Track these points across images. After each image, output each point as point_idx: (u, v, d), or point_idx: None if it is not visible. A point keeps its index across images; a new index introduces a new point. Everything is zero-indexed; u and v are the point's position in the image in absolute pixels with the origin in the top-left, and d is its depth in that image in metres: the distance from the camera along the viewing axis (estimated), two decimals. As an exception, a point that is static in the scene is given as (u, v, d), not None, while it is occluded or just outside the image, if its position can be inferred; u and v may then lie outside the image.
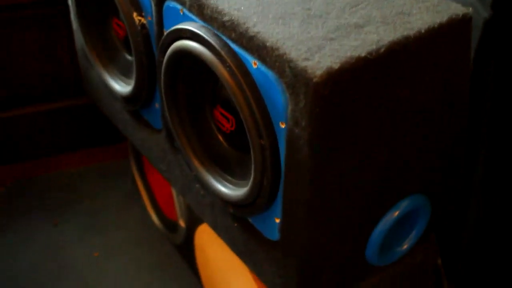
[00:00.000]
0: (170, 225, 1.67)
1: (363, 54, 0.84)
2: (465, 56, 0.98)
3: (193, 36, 0.98)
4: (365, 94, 0.88)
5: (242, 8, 0.93)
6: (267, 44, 0.87)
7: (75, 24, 1.44)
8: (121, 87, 1.30)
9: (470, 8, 0.96)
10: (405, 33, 0.89)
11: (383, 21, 0.91)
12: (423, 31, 0.90)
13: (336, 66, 0.82)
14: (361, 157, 0.94)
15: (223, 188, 1.08)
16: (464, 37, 0.96)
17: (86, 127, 1.94)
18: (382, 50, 0.86)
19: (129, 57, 1.32)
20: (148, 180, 1.77)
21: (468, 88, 1.04)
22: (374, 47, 0.86)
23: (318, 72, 0.81)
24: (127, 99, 1.29)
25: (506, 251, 1.37)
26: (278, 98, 0.88)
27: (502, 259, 1.38)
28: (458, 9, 0.95)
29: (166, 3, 1.07)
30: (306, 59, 0.83)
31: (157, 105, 1.24)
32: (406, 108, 0.95)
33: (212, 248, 1.38)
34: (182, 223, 1.53)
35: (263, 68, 0.89)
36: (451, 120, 1.04)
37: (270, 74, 0.88)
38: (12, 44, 1.72)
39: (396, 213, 1.06)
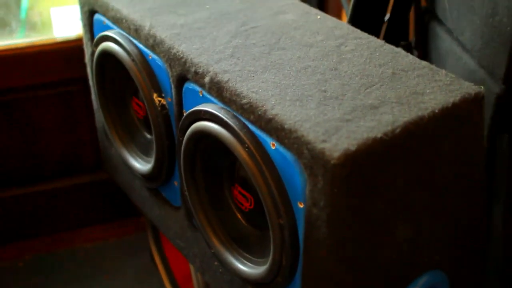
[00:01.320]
0: (188, 301, 1.66)
1: (379, 135, 0.86)
2: (478, 133, 1.00)
3: (212, 117, 1.01)
4: (382, 174, 0.89)
5: (260, 91, 0.96)
6: (285, 126, 0.89)
7: (95, 104, 1.48)
8: (140, 165, 1.32)
9: (482, 87, 0.98)
10: (420, 113, 0.91)
11: (398, 101, 0.93)
12: (437, 110, 0.92)
13: (353, 148, 0.84)
14: (379, 235, 0.95)
15: (242, 266, 1.08)
16: (477, 115, 0.98)
17: (104, 202, 1.96)
18: (398, 130, 0.88)
19: (148, 136, 1.35)
20: (166, 256, 1.77)
21: (483, 164, 1.05)
22: (389, 128, 0.88)
23: (336, 154, 0.83)
24: (146, 177, 1.31)
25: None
26: (297, 178, 0.90)
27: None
28: (471, 88, 0.97)
29: (186, 85, 1.10)
30: (324, 141, 0.85)
31: (176, 183, 1.26)
32: (422, 186, 0.96)
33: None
34: (200, 299, 1.53)
35: (282, 149, 0.91)
36: (468, 197, 1.05)
37: (289, 155, 0.90)
38: (33, 122, 1.77)
39: (416, 290, 1.06)
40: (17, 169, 1.82)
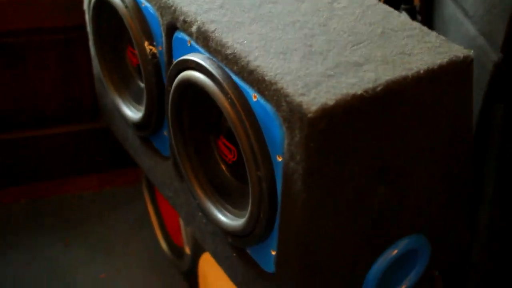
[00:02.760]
0: (177, 251, 1.68)
1: (359, 92, 0.86)
2: (467, 98, 0.99)
3: (198, 67, 1.01)
4: (361, 131, 0.89)
5: (245, 42, 0.96)
6: (266, 78, 0.89)
7: (92, 51, 1.48)
8: (132, 113, 1.33)
9: (472, 50, 0.97)
10: (404, 72, 0.90)
11: (383, 60, 0.92)
12: (422, 71, 0.91)
13: (331, 102, 0.83)
14: (356, 194, 0.94)
15: (223, 218, 1.09)
16: (465, 79, 0.97)
17: (102, 151, 1.97)
18: (379, 88, 0.87)
19: (141, 84, 1.35)
20: (159, 206, 1.79)
21: (471, 130, 1.04)
22: (370, 85, 0.87)
23: (313, 108, 0.82)
24: (137, 125, 1.32)
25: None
26: (276, 131, 0.90)
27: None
28: (460, 51, 0.96)
29: (176, 34, 1.10)
30: (302, 94, 0.85)
31: (165, 133, 1.26)
32: (404, 147, 0.96)
33: (213, 277, 1.39)
34: (187, 250, 1.55)
35: (262, 101, 0.91)
36: (453, 162, 1.04)
37: (269, 108, 0.90)
38: (31, 67, 1.77)
39: (394, 252, 1.06)
40: (15, 113, 1.83)
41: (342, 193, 0.93)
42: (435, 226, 1.11)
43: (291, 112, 0.85)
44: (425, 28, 1.01)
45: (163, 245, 1.75)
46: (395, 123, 0.92)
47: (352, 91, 0.85)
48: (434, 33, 1.00)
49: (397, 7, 1.48)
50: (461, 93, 0.98)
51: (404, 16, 1.05)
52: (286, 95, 0.85)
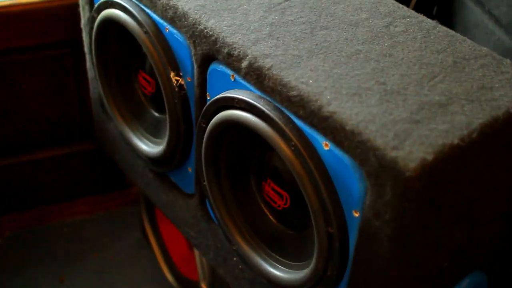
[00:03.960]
0: (188, 285, 1.55)
1: (455, 141, 0.75)
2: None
3: (248, 107, 0.88)
4: (452, 181, 0.79)
5: (310, 81, 0.84)
6: (347, 127, 0.77)
7: (92, 73, 1.33)
8: (148, 147, 1.19)
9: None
10: (493, 113, 0.80)
11: (467, 98, 0.82)
12: (510, 110, 0.82)
13: (430, 157, 0.73)
14: (436, 242, 0.86)
15: (272, 269, 0.98)
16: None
17: (93, 173, 1.82)
18: (474, 135, 0.77)
19: (156, 115, 1.22)
20: (161, 233, 1.65)
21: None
22: (465, 132, 0.77)
23: (412, 165, 0.72)
24: (154, 160, 1.19)
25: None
26: (354, 185, 0.79)
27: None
28: (541, 81, 0.87)
29: (212, 66, 0.97)
30: (395, 148, 0.74)
31: (190, 170, 1.14)
32: (485, 191, 0.87)
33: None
34: (204, 286, 1.43)
35: (337, 151, 0.80)
36: None
37: (346, 159, 0.79)
38: (18, 88, 1.60)
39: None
40: (1, 138, 1.66)
41: (425, 244, 0.84)
42: (493, 262, 1.04)
43: (381, 168, 0.74)
44: (496, 55, 0.92)
45: (170, 278, 1.62)
46: (483, 167, 0.83)
47: (448, 140, 0.75)
48: (508, 61, 0.91)
49: (430, 12, 1.40)
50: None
51: (468, 40, 0.95)
52: (376, 149, 0.74)
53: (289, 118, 0.85)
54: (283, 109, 0.86)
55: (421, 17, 0.99)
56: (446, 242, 0.88)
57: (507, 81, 0.86)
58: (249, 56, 0.89)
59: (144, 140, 1.21)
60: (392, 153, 0.73)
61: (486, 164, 0.84)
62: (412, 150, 0.73)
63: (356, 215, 0.81)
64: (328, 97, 0.81)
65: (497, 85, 0.86)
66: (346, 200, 0.82)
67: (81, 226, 1.81)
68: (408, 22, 0.97)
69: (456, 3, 1.40)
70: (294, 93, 0.83)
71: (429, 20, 0.99)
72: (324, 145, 0.81)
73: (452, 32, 0.97)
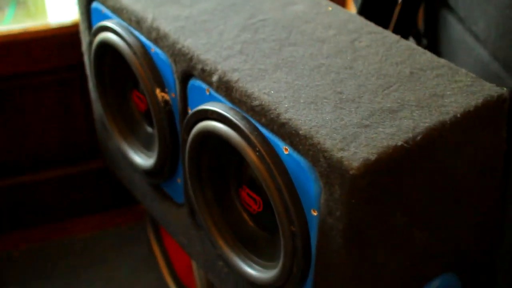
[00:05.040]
0: (189, 294, 1.63)
1: (399, 143, 0.82)
2: (500, 137, 0.96)
3: (220, 118, 0.96)
4: (401, 181, 0.85)
5: (272, 92, 0.91)
6: (300, 132, 0.84)
7: (93, 94, 1.43)
8: (142, 160, 1.27)
9: (505, 88, 0.93)
10: (441, 118, 0.87)
11: (417, 105, 0.89)
12: (459, 115, 0.88)
13: (373, 157, 0.79)
14: (395, 241, 0.91)
15: (250, 270, 1.04)
16: (499, 118, 0.94)
17: (100, 191, 1.91)
18: (419, 138, 0.83)
19: (149, 130, 1.30)
20: (165, 245, 1.73)
21: (501, 167, 1.01)
22: (410, 135, 0.83)
23: (355, 164, 0.78)
24: (148, 173, 1.27)
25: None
26: (311, 186, 0.86)
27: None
28: (493, 90, 0.92)
29: (191, 82, 1.05)
30: (342, 149, 0.80)
31: (179, 180, 1.21)
32: (440, 191, 0.92)
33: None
34: (201, 294, 1.50)
35: (295, 155, 0.87)
36: (483, 200, 1.01)
37: (303, 162, 0.86)
38: (28, 110, 1.71)
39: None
40: (12, 159, 1.77)
41: (381, 243, 0.89)
42: (465, 264, 1.08)
43: (330, 168, 0.81)
44: (453, 65, 0.98)
45: (173, 287, 1.70)
46: (432, 169, 0.89)
47: (392, 142, 0.82)
48: (463, 71, 0.97)
49: (407, 32, 1.45)
50: (495, 132, 0.95)
51: (428, 53, 1.01)
52: (324, 150, 0.81)
53: (254, 126, 0.92)
54: (249, 118, 0.93)
55: (387, 32, 1.06)
56: (406, 243, 0.93)
57: (459, 89, 0.92)
58: (219, 71, 0.97)
59: (140, 153, 1.29)
60: (339, 154, 0.80)
61: (439, 167, 0.90)
62: (357, 151, 0.80)
63: (315, 214, 0.87)
64: (286, 105, 0.88)
65: (449, 92, 0.92)
66: (306, 200, 0.88)
67: (90, 241, 1.89)
68: (373, 38, 1.04)
69: (440, 21, 1.46)
70: (257, 102, 0.91)
71: (394, 35, 1.05)
72: (284, 149, 0.88)
73: (414, 46, 1.03)
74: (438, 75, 0.95)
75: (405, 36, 1.35)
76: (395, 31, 1.35)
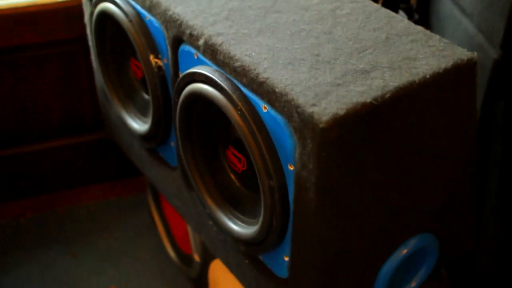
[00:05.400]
0: (185, 258, 1.69)
1: (368, 100, 0.87)
2: (471, 99, 1.01)
3: (206, 79, 1.02)
4: (371, 137, 0.90)
5: (253, 54, 0.97)
6: (276, 89, 0.90)
7: (95, 64, 1.49)
8: (138, 125, 1.34)
9: (475, 53, 0.98)
10: (411, 78, 0.92)
11: (390, 67, 0.94)
12: (428, 76, 0.93)
13: (342, 112, 0.85)
14: (368, 198, 0.96)
15: (235, 226, 1.10)
16: (469, 81, 0.98)
17: (105, 161, 1.98)
18: (388, 95, 0.89)
19: (146, 97, 1.36)
20: (165, 214, 1.80)
21: (475, 130, 1.06)
22: (379, 93, 0.88)
23: (325, 118, 0.84)
24: (144, 137, 1.33)
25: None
26: (287, 141, 0.91)
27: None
28: (463, 54, 0.97)
29: (182, 47, 1.11)
30: (313, 104, 0.86)
31: (172, 144, 1.27)
32: (412, 150, 0.97)
33: (225, 283, 1.40)
34: (196, 257, 1.56)
35: (273, 112, 0.92)
36: (458, 161, 1.06)
37: (279, 118, 0.91)
38: (33, 81, 1.78)
39: (404, 251, 1.08)
40: (18, 129, 1.84)
41: (354, 199, 0.94)
42: (442, 224, 1.13)
43: (302, 122, 0.87)
44: (428, 32, 1.03)
45: (171, 253, 1.77)
46: (402, 127, 0.94)
47: (361, 99, 0.87)
48: (437, 37, 1.02)
49: (395, 7, 1.50)
50: (465, 94, 1.00)
51: (406, 20, 1.06)
52: (297, 106, 0.87)
53: (237, 86, 0.98)
54: (232, 79, 0.99)
55: (368, 2, 1.11)
56: (381, 200, 0.98)
57: (431, 53, 0.97)
58: (205, 35, 1.03)
59: (137, 120, 1.36)
60: (310, 109, 0.86)
61: (410, 126, 0.95)
62: (327, 107, 0.85)
63: (291, 168, 0.93)
64: (265, 66, 0.94)
65: (421, 56, 0.97)
66: (283, 156, 0.94)
67: (94, 210, 1.97)
68: (354, 6, 1.09)
69: (432, -3, 1.50)
70: (239, 64, 0.96)
71: (375, 4, 1.10)
72: (263, 108, 0.94)
73: (393, 14, 1.08)
74: (413, 41, 1.00)
75: (394, 10, 1.40)
76: (384, 5, 1.39)
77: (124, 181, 2.02)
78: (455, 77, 0.96)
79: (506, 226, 1.27)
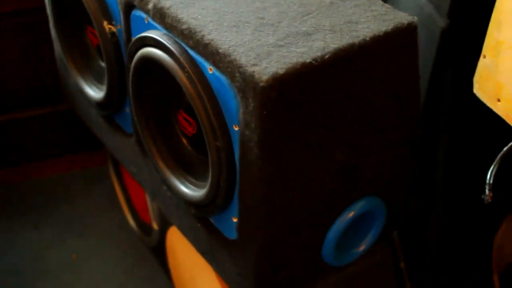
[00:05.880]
0: (145, 227, 1.72)
1: (308, 60, 0.90)
2: (412, 63, 1.04)
3: (155, 43, 1.04)
4: (312, 97, 0.93)
5: (199, 17, 0.99)
6: (220, 51, 0.92)
7: (53, 33, 1.50)
8: (95, 93, 1.35)
9: (415, 17, 1.01)
10: (351, 40, 0.94)
11: (331, 29, 0.97)
12: (368, 38, 0.95)
13: (282, 71, 0.87)
14: (312, 158, 0.99)
15: (186, 190, 1.13)
16: (410, 44, 1.01)
17: (68, 134, 1.99)
18: (327, 56, 0.91)
19: (102, 64, 1.38)
20: (125, 184, 1.81)
21: (418, 93, 1.09)
22: (319, 53, 0.91)
23: (265, 77, 0.86)
24: (100, 104, 1.35)
25: (469, 252, 1.41)
26: (231, 102, 0.94)
27: (466, 261, 1.42)
28: (404, 18, 1.00)
29: (133, 12, 1.12)
30: (254, 64, 0.88)
31: (128, 110, 1.29)
32: (355, 112, 1.00)
33: (181, 249, 1.42)
34: (155, 225, 1.58)
35: (218, 73, 0.95)
36: (403, 124, 1.09)
37: (224, 79, 0.94)
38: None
39: (351, 214, 1.11)
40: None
41: (298, 159, 0.97)
42: (389, 188, 1.16)
43: (244, 82, 0.89)
44: (372, -2, 1.05)
45: (131, 222, 1.79)
46: (344, 88, 0.96)
47: (301, 59, 0.89)
48: (380, 2, 1.04)
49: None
50: (407, 58, 1.02)
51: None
52: (239, 66, 0.89)
53: (184, 49, 1.00)
54: (180, 42, 1.01)
55: None
56: (326, 162, 1.01)
57: (373, 17, 1.00)
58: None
59: (93, 87, 1.37)
60: (251, 69, 0.88)
61: (352, 88, 0.97)
62: (268, 66, 0.88)
63: (236, 128, 0.95)
64: (210, 28, 0.96)
65: (363, 20, 0.99)
66: (228, 116, 0.96)
67: (57, 182, 1.98)
68: None
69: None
70: (185, 26, 0.98)
71: None
72: (209, 69, 0.96)
73: (341, -19, 1.10)
74: (356, 5, 1.03)
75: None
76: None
77: (88, 153, 2.03)
78: (396, 40, 0.99)
79: (454, 189, 1.31)
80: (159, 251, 1.63)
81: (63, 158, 2.02)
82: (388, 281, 1.31)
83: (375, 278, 1.29)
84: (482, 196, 1.19)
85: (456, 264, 1.42)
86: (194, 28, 0.97)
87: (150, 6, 1.05)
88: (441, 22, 1.17)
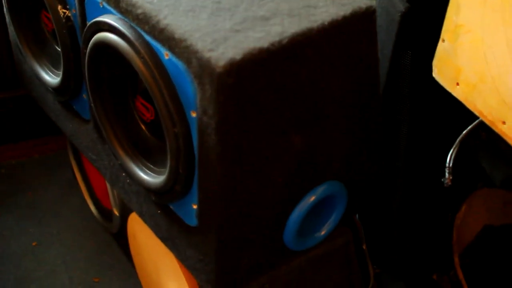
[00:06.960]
0: (106, 214, 1.70)
1: (265, 45, 0.88)
2: (371, 47, 1.03)
3: (110, 28, 1.01)
4: (270, 83, 0.92)
5: (154, 1, 0.97)
6: (176, 36, 0.91)
7: (7, 18, 1.46)
8: (51, 78, 1.32)
9: (374, 1, 1.00)
10: (309, 25, 0.93)
11: (289, 14, 0.95)
12: (326, 23, 0.94)
13: (238, 57, 0.86)
14: (271, 144, 0.98)
15: (145, 176, 1.11)
16: (368, 29, 1.01)
17: (27, 119, 1.95)
18: (285, 41, 0.90)
19: (58, 49, 1.35)
20: (86, 170, 1.79)
21: (377, 78, 1.09)
22: (277, 38, 0.90)
23: (221, 63, 0.85)
24: (56, 90, 1.32)
25: (430, 234, 1.43)
26: (188, 87, 0.92)
27: (427, 243, 1.44)
28: (363, 2, 0.99)
29: (88, -4, 1.10)
30: (211, 50, 0.87)
31: (84, 96, 1.27)
32: (315, 97, 1.00)
33: (142, 236, 1.41)
34: (116, 211, 1.57)
35: (174, 59, 0.93)
36: (363, 109, 1.09)
37: (180, 65, 0.92)
38: None
39: (312, 199, 1.10)
40: None
41: (257, 144, 0.96)
42: (350, 172, 1.16)
43: (201, 68, 0.88)
44: (331, -18, 1.04)
45: (92, 208, 1.77)
46: (303, 73, 0.96)
47: (258, 44, 0.88)
48: None
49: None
50: (365, 42, 1.02)
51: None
52: (196, 52, 0.88)
53: (139, 34, 0.98)
54: (135, 27, 0.99)
55: None
56: (286, 146, 1.00)
57: (332, 2, 0.99)
58: None
59: (49, 72, 1.34)
60: (208, 54, 0.87)
61: (311, 74, 0.97)
62: (224, 52, 0.87)
63: (194, 115, 0.94)
64: (166, 13, 0.94)
65: (321, 4, 0.98)
66: (186, 102, 0.95)
67: (17, 168, 1.95)
68: None
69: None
70: (140, 11, 0.96)
71: None
72: (165, 54, 0.94)
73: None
74: None
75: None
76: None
77: (48, 138, 2.00)
78: (354, 25, 0.98)
79: (415, 172, 1.32)
80: (121, 237, 1.62)
81: (22, 143, 1.99)
82: (351, 264, 1.32)
83: (337, 262, 1.29)
84: (442, 179, 1.20)
85: (418, 246, 1.44)
86: (150, 13, 0.95)
87: None
88: (401, 6, 1.17)
